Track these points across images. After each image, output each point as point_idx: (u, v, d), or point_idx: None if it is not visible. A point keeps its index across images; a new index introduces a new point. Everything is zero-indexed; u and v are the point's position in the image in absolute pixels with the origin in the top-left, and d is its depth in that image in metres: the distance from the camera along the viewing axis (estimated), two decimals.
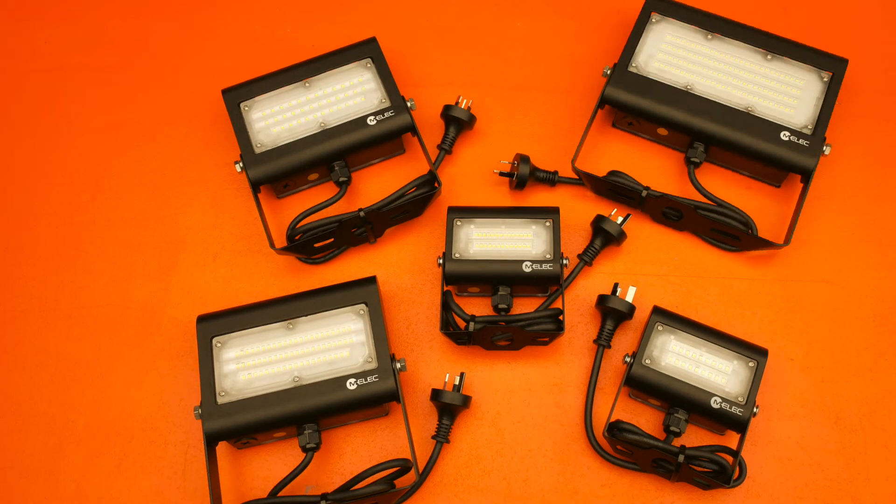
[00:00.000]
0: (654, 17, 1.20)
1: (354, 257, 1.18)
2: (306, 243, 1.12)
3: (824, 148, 1.12)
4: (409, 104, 1.16)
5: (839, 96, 1.16)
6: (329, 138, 1.15)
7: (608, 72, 1.17)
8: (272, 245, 1.12)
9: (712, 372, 1.06)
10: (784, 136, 1.13)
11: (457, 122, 1.20)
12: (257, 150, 1.15)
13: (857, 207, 1.18)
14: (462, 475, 1.08)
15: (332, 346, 1.07)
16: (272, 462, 1.09)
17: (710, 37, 1.19)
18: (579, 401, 1.11)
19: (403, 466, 1.03)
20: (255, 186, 1.15)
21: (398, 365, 1.05)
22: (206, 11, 1.33)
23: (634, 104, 1.16)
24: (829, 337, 1.13)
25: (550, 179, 1.19)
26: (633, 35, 1.18)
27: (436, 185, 1.15)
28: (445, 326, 1.10)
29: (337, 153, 1.15)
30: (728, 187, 1.19)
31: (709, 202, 1.15)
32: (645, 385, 1.05)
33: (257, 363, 1.06)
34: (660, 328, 1.07)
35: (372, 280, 1.08)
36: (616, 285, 1.11)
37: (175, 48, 1.31)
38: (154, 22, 1.33)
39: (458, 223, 1.12)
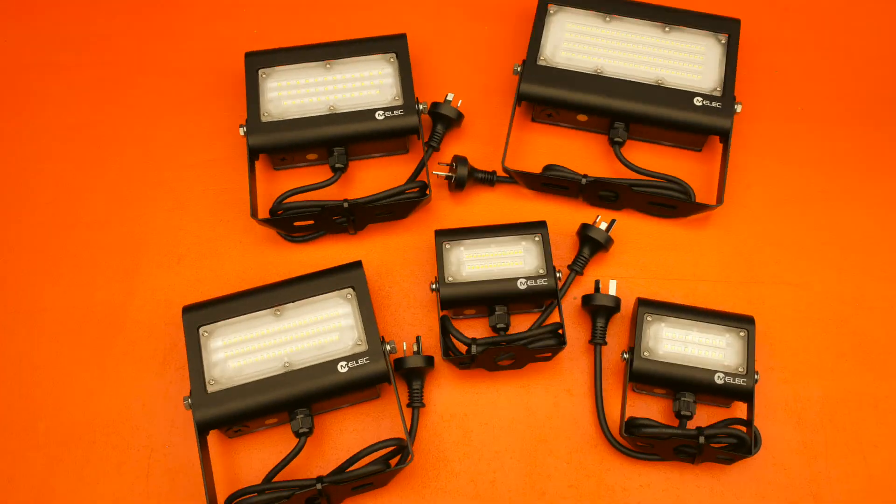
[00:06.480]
0: (552, 8, 1.22)
1: (334, 246, 1.19)
2: (286, 220, 1.13)
3: (736, 106, 1.16)
4: (420, 107, 1.17)
5: (740, 54, 1.20)
6: (334, 123, 1.16)
7: (518, 69, 1.19)
8: (254, 214, 1.12)
9: (709, 349, 1.07)
10: (697, 101, 1.16)
11: (445, 120, 1.20)
12: (263, 119, 1.15)
13: (817, 207, 1.21)
14: (429, 477, 1.08)
15: (321, 331, 1.07)
16: (264, 450, 1.08)
17: (608, 19, 1.22)
18: (546, 402, 1.11)
19: (398, 445, 1.03)
20: (254, 153, 1.15)
21: (388, 347, 1.06)
22: None
23: (550, 96, 1.18)
24: (791, 338, 1.14)
25: (489, 180, 1.20)
26: (535, 29, 1.20)
27: (427, 192, 1.15)
28: (447, 352, 1.09)
29: (339, 139, 1.16)
30: (654, 159, 1.21)
31: (645, 178, 1.16)
32: (649, 377, 1.07)
33: (246, 350, 1.06)
34: (649, 318, 1.08)
35: (358, 264, 1.09)
36: (598, 282, 1.12)
37: (151, 41, 1.32)
38: (142, 18, 1.34)
39: (448, 246, 1.11)
